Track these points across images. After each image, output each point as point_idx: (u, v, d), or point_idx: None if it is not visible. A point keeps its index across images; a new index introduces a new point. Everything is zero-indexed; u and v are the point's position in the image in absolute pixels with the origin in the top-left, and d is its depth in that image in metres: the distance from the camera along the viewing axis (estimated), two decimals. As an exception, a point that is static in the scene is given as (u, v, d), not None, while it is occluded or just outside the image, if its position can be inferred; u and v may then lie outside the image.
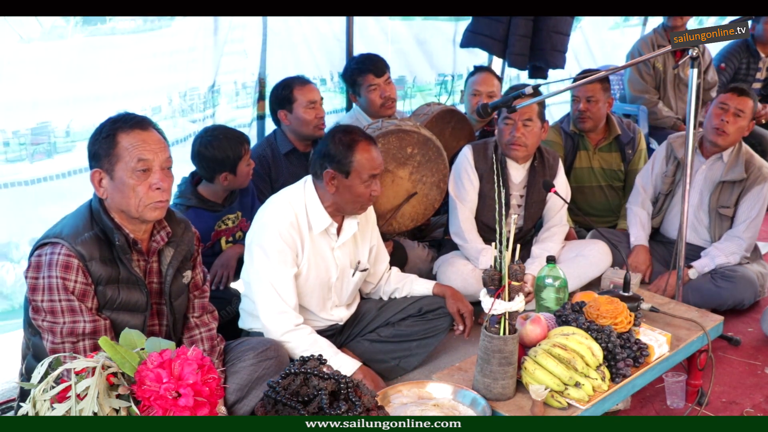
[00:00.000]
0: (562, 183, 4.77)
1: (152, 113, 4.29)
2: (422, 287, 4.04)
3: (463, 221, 4.68)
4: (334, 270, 3.76)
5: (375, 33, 5.89)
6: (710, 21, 8.45)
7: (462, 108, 5.86)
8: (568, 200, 4.67)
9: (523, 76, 6.82)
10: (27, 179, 3.83)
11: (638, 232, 5.01)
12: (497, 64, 6.82)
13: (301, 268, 3.64)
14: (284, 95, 4.63)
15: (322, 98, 4.75)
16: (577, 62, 7.46)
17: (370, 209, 3.98)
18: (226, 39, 4.80)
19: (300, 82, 4.68)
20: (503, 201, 2.86)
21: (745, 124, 4.70)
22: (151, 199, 2.89)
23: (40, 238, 2.90)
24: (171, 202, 4.15)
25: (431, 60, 6.44)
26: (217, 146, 4.15)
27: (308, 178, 3.72)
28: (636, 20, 8.14)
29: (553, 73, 6.55)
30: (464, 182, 4.67)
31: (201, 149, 4.17)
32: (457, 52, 6.48)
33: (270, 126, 5.18)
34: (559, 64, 6.06)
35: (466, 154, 4.71)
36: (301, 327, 3.56)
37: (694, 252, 4.80)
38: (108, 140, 2.86)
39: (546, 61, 6.01)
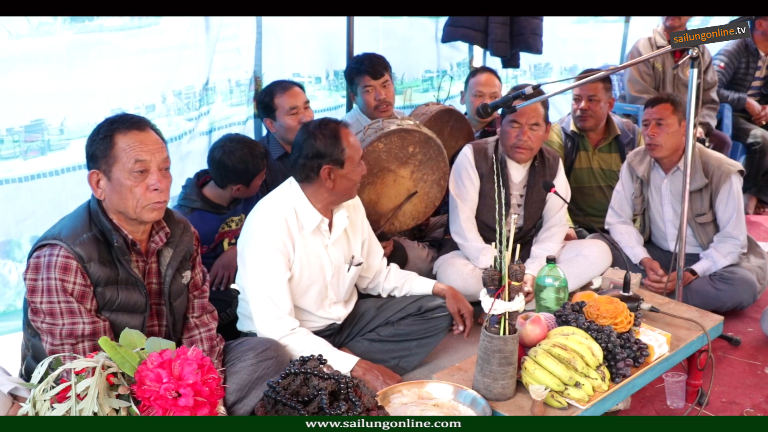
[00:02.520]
0: (562, 183, 4.77)
1: (146, 111, 4.28)
2: (422, 286, 4.03)
3: (464, 220, 4.67)
4: (329, 267, 3.75)
5: (366, 30, 5.89)
6: (696, 21, 8.44)
7: (463, 109, 5.85)
8: (568, 200, 4.66)
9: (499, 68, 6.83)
10: (21, 176, 3.82)
11: (635, 249, 4.89)
12: (477, 57, 6.86)
13: (294, 271, 3.63)
14: (266, 103, 4.60)
15: (307, 101, 4.67)
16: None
17: (358, 204, 3.98)
18: (218, 37, 4.78)
19: (281, 88, 4.61)
20: (503, 201, 2.84)
21: (675, 129, 4.61)
22: (149, 200, 2.89)
23: (39, 239, 2.89)
24: (175, 204, 4.17)
25: (417, 57, 6.45)
26: (239, 158, 4.15)
27: (292, 180, 3.71)
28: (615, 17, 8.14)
29: (524, 65, 6.57)
30: (465, 181, 4.66)
31: (223, 157, 4.16)
32: (441, 48, 6.49)
33: (267, 124, 5.18)
34: (539, 48, 6.02)
35: (467, 153, 4.70)
36: (297, 330, 3.54)
37: (687, 259, 4.76)
38: (105, 141, 2.86)
39: (528, 45, 5.97)
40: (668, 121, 4.60)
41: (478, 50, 6.70)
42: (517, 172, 4.68)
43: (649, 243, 5.04)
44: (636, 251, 4.86)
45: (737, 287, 4.56)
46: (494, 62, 6.44)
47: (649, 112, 4.68)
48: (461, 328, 3.91)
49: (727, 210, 4.65)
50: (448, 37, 6.00)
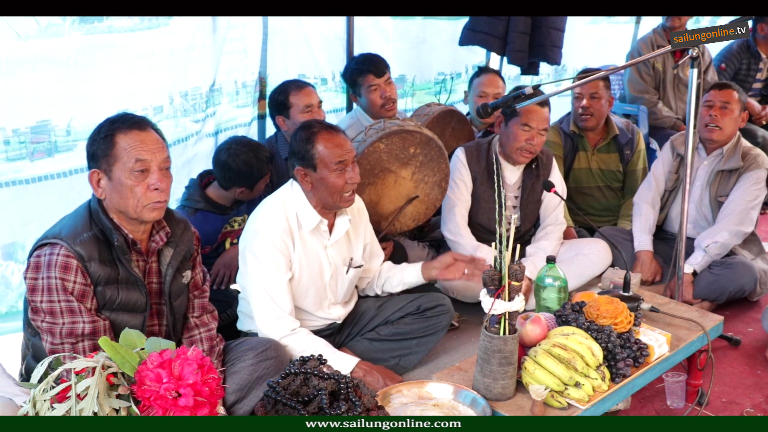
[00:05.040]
0: (557, 180, 4.78)
1: (154, 113, 4.29)
2: (412, 274, 4.00)
3: (459, 219, 4.69)
4: (328, 268, 3.76)
5: (375, 32, 5.90)
6: (705, 21, 8.45)
7: (465, 109, 5.86)
8: (565, 197, 4.67)
9: (517, 74, 6.82)
10: (28, 177, 3.83)
11: (642, 236, 4.98)
12: (495, 62, 6.83)
13: (294, 270, 3.65)
14: (280, 101, 4.62)
15: (320, 101, 4.72)
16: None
17: (362, 207, 3.99)
18: (225, 38, 4.80)
19: (296, 86, 4.66)
20: (502, 202, 2.85)
21: (736, 115, 4.77)
22: (150, 199, 2.89)
23: (39, 238, 2.90)
24: (178, 205, 4.18)
25: (431, 59, 6.44)
26: (245, 161, 4.17)
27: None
28: (627, 17, 8.12)
29: (544, 70, 6.59)
30: (458, 183, 4.68)
31: (228, 159, 4.18)
32: (456, 51, 6.47)
33: (270, 126, 5.17)
34: (558, 60, 6.08)
35: (459, 155, 4.72)
36: (297, 331, 3.56)
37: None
38: (106, 141, 2.86)
39: (546, 57, 6.04)
40: (732, 107, 4.77)
41: (495, 54, 6.67)
42: (512, 174, 4.70)
43: (659, 232, 5.10)
44: (642, 238, 4.96)
45: (737, 271, 4.59)
46: (513, 67, 6.45)
47: (716, 95, 4.80)
48: (477, 271, 3.86)
49: (743, 196, 4.72)
50: (466, 40, 6.03)
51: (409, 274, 4.02)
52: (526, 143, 4.48)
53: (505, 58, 6.21)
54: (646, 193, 5.15)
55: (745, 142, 4.88)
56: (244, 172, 4.18)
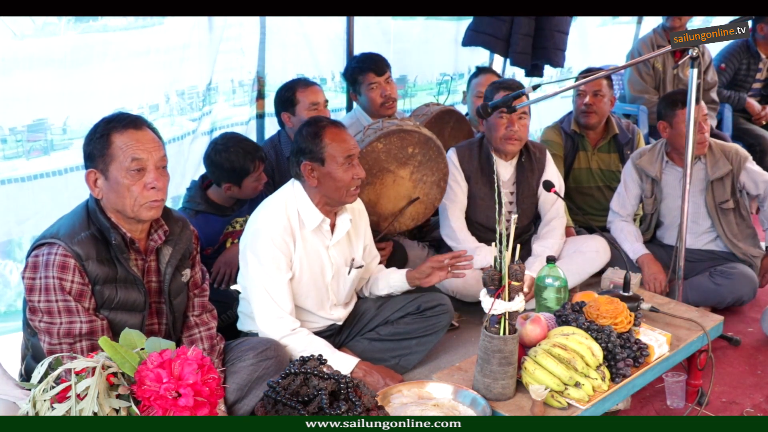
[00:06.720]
0: (553, 175, 4.75)
1: (150, 111, 4.29)
2: (397, 280, 3.98)
3: (454, 221, 4.67)
4: (329, 269, 3.75)
5: (377, 32, 5.89)
6: (697, 21, 8.45)
7: (464, 109, 5.86)
8: (562, 193, 4.65)
9: (520, 75, 6.80)
10: (24, 176, 3.83)
11: (634, 245, 4.86)
12: (498, 63, 6.82)
13: (294, 270, 3.64)
14: (287, 97, 4.63)
15: (327, 100, 4.75)
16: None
17: (362, 208, 3.99)
18: (222, 37, 4.79)
19: (303, 84, 4.69)
20: (500, 200, 2.85)
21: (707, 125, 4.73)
22: (146, 198, 2.89)
23: (37, 238, 2.90)
24: (180, 206, 4.18)
25: (433, 59, 6.44)
26: (225, 156, 4.15)
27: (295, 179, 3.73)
28: (628, 17, 8.12)
29: (548, 72, 6.57)
30: (452, 185, 4.66)
31: (211, 154, 4.19)
32: (459, 52, 6.48)
33: (269, 125, 5.17)
34: (561, 62, 6.09)
35: (451, 157, 4.70)
36: (297, 330, 3.55)
37: (697, 256, 4.76)
38: (102, 140, 2.86)
39: (549, 59, 6.05)
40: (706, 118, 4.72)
41: (498, 56, 6.66)
42: (506, 170, 4.68)
43: (650, 241, 5.04)
44: (635, 247, 4.84)
45: (737, 282, 4.56)
46: (516, 69, 6.44)
47: (697, 110, 4.61)
48: (450, 269, 3.89)
49: (760, 185, 4.72)
50: (469, 41, 6.03)
51: (394, 279, 4.00)
52: (507, 130, 4.47)
53: (508, 60, 6.21)
54: (616, 217, 5.06)
55: (712, 140, 4.78)
56: (227, 168, 4.16)
